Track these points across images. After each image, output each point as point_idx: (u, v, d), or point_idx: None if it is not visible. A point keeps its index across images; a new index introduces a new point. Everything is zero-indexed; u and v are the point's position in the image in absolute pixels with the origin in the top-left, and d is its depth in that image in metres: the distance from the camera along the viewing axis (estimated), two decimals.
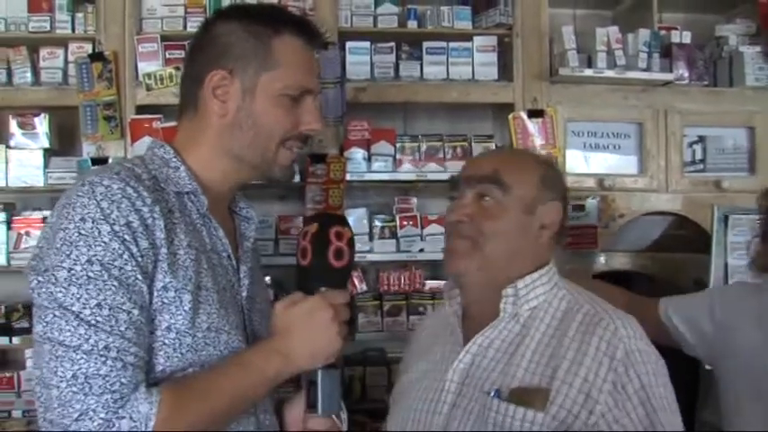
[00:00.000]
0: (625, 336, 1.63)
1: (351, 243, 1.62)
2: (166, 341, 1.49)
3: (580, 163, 3.75)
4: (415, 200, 3.75)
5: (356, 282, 3.66)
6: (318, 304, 1.57)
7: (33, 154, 3.43)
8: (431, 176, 3.56)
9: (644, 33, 3.63)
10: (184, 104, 1.71)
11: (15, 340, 3.39)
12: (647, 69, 3.63)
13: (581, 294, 1.79)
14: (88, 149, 3.43)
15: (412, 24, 3.65)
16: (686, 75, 3.73)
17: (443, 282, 3.59)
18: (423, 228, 3.59)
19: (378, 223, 3.58)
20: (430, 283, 3.74)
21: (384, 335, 3.57)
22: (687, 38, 3.75)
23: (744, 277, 3.27)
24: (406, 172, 3.56)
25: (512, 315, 1.75)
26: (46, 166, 3.44)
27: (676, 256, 3.80)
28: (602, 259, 3.62)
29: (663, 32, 3.73)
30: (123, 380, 1.39)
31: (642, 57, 3.61)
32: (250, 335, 1.68)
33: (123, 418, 1.37)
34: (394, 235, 3.58)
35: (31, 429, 3.36)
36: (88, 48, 3.49)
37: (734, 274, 3.43)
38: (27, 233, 3.39)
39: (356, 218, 3.55)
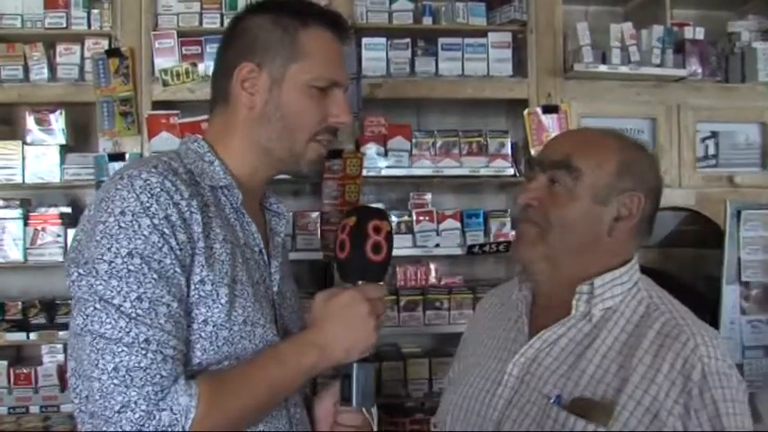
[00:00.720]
0: (705, 355, 1.49)
1: (389, 237, 1.62)
2: (203, 334, 1.50)
3: None
4: (430, 195, 3.78)
5: None
6: (355, 298, 1.58)
7: (50, 150, 3.46)
8: (446, 172, 3.60)
9: (657, 29, 3.67)
10: (215, 98, 1.73)
11: (32, 336, 3.42)
12: (661, 65, 3.67)
13: (661, 298, 1.65)
14: (104, 145, 3.46)
15: (427, 20, 3.70)
16: (699, 70, 3.77)
17: (458, 277, 3.75)
18: (438, 223, 3.61)
19: (394, 219, 3.59)
20: (446, 278, 3.78)
21: (400, 330, 3.59)
22: (700, 34, 3.80)
23: (756, 273, 3.39)
24: (422, 167, 3.59)
25: (583, 314, 1.64)
26: (62, 162, 3.46)
27: (689, 251, 3.83)
28: None
29: (676, 28, 3.78)
30: (164, 372, 1.40)
31: (656, 52, 3.65)
32: (281, 329, 1.68)
33: (164, 410, 1.38)
34: (410, 230, 3.60)
35: (47, 425, 3.39)
36: (104, 44, 3.53)
37: (746, 270, 3.44)
38: (43, 229, 3.42)
39: None
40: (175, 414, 1.39)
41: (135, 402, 1.37)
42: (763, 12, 3.92)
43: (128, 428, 1.37)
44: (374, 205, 3.39)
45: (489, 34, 3.69)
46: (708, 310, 3.43)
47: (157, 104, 3.48)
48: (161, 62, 3.49)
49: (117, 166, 3.26)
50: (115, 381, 1.38)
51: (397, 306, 3.59)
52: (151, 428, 1.37)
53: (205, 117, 3.07)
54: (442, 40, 3.67)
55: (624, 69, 3.64)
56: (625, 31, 3.66)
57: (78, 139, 3.64)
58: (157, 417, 1.38)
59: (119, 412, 1.37)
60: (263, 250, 1.69)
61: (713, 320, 3.41)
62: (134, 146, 3.46)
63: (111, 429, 1.38)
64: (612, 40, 3.64)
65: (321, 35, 1.68)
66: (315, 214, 3.53)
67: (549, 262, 1.68)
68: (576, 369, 1.58)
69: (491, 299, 2.02)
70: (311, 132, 1.67)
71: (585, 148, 1.68)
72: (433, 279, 3.77)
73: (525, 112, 3.61)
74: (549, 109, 3.62)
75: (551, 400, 1.56)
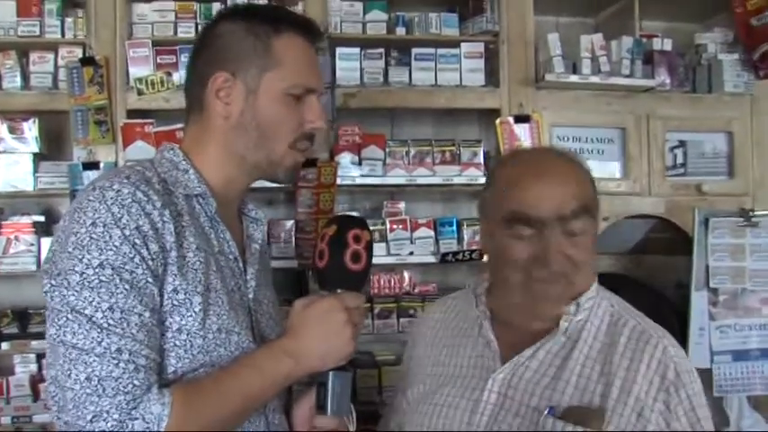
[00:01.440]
0: (674, 355, 1.62)
1: (369, 246, 1.64)
2: (177, 342, 1.52)
3: None
4: (404, 204, 3.80)
5: None
6: (333, 306, 1.59)
7: (22, 158, 3.46)
8: (420, 180, 3.62)
9: (627, 41, 3.72)
10: (190, 107, 1.74)
11: (4, 346, 3.41)
12: (630, 75, 3.71)
13: (619, 305, 1.76)
14: (79, 154, 3.46)
15: (400, 31, 3.73)
16: (668, 81, 3.83)
17: (432, 284, 3.75)
18: (412, 231, 3.64)
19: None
20: (419, 287, 3.80)
21: (373, 337, 3.61)
22: (668, 45, 3.85)
23: (724, 279, 3.49)
24: (396, 176, 3.61)
25: (562, 330, 1.70)
26: (35, 170, 3.46)
27: (659, 258, 3.92)
28: None
29: (644, 40, 3.83)
30: (136, 381, 1.41)
31: (625, 63, 3.70)
32: (258, 336, 1.68)
33: (136, 419, 1.39)
34: (384, 239, 3.62)
35: None
36: (78, 52, 3.54)
37: (714, 276, 3.56)
38: (16, 238, 3.41)
39: None
40: (148, 423, 1.40)
41: (107, 412, 1.39)
42: (728, 25, 3.98)
43: None
44: (350, 213, 3.48)
45: (462, 45, 3.72)
46: (677, 316, 3.59)
47: (132, 113, 3.50)
48: (136, 71, 3.50)
49: (91, 174, 3.28)
50: (87, 390, 1.39)
51: (372, 314, 3.60)
52: None
53: (180, 126, 3.12)
54: (415, 51, 3.70)
55: (594, 79, 3.68)
56: (595, 42, 3.71)
57: (52, 147, 3.64)
58: (130, 426, 1.39)
59: (91, 421, 1.39)
60: (239, 258, 1.70)
61: (683, 327, 3.51)
62: (109, 154, 3.47)
63: None
64: (583, 51, 3.69)
65: (294, 42, 1.70)
66: (289, 223, 3.53)
67: (567, 298, 1.71)
68: (559, 380, 1.64)
69: (434, 315, 2.03)
70: (288, 140, 1.69)
71: (587, 186, 1.72)
72: (406, 287, 3.79)
73: (497, 121, 3.65)
74: (521, 118, 3.66)
75: (546, 412, 1.60)
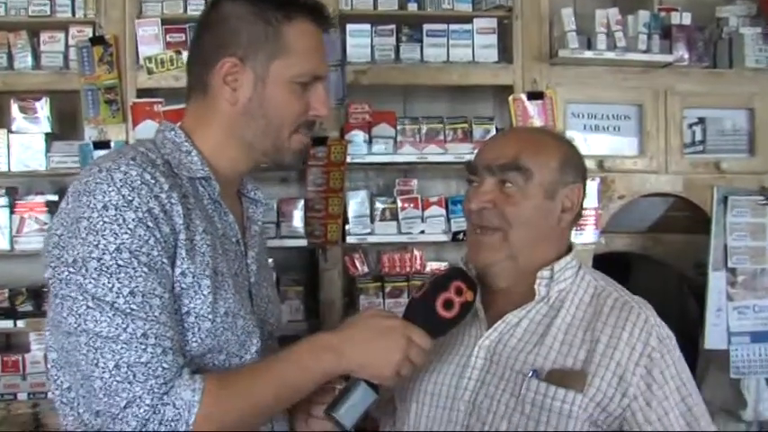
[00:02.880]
0: (656, 324, 1.73)
1: (465, 306, 1.68)
2: (185, 325, 1.53)
3: (580, 144, 3.42)
4: (415, 182, 3.83)
5: (358, 264, 3.76)
6: (399, 327, 1.61)
7: (35, 138, 3.54)
8: (431, 158, 3.66)
9: (644, 15, 3.71)
10: (193, 87, 1.73)
11: (20, 323, 3.49)
12: (647, 51, 3.71)
13: (603, 279, 1.87)
14: (90, 133, 3.53)
15: (412, 6, 3.74)
16: (686, 56, 3.81)
17: (444, 263, 3.78)
18: (423, 210, 3.67)
19: (379, 205, 3.66)
20: (431, 265, 3.83)
21: None
22: (687, 19, 3.83)
23: (743, 259, 3.51)
24: (407, 154, 3.65)
25: (543, 297, 1.80)
26: (48, 150, 3.54)
27: (677, 237, 3.91)
28: (602, 240, 3.68)
29: (663, 14, 3.82)
30: (165, 365, 1.43)
31: (642, 38, 3.69)
32: (258, 320, 1.70)
33: (168, 404, 1.41)
34: (395, 217, 3.66)
35: (36, 411, 3.48)
36: (88, 31, 3.60)
37: (733, 256, 3.57)
38: (30, 217, 3.50)
39: (357, 200, 3.65)
40: (178, 409, 1.42)
41: (140, 398, 1.41)
42: None
43: (133, 424, 1.41)
44: (360, 192, 3.61)
45: (474, 20, 3.73)
46: (695, 296, 3.70)
47: (142, 92, 3.56)
48: (145, 50, 3.55)
49: (102, 153, 3.33)
50: (117, 378, 1.41)
51: (382, 293, 3.65)
52: (155, 424, 1.41)
53: (182, 106, 3.19)
54: (427, 27, 3.72)
55: (610, 55, 3.68)
56: (611, 16, 3.71)
57: (64, 126, 3.71)
58: (162, 411, 1.41)
59: (124, 408, 1.41)
60: (241, 241, 1.72)
61: (702, 306, 3.55)
62: (119, 134, 3.54)
63: (118, 428, 1.42)
64: (598, 26, 3.69)
65: (305, 29, 1.69)
66: (300, 201, 3.60)
67: (511, 259, 1.81)
68: (542, 346, 1.75)
69: None
70: (293, 126, 1.70)
71: (531, 149, 1.81)
72: (417, 266, 3.82)
73: (510, 98, 3.67)
74: (535, 95, 3.68)
75: (530, 374, 1.71)
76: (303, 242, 3.58)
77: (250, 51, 1.65)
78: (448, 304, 1.65)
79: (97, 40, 3.54)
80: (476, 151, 3.21)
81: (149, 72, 3.54)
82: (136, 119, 3.47)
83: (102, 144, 3.46)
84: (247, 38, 1.65)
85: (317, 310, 3.61)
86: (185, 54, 3.39)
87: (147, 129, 3.34)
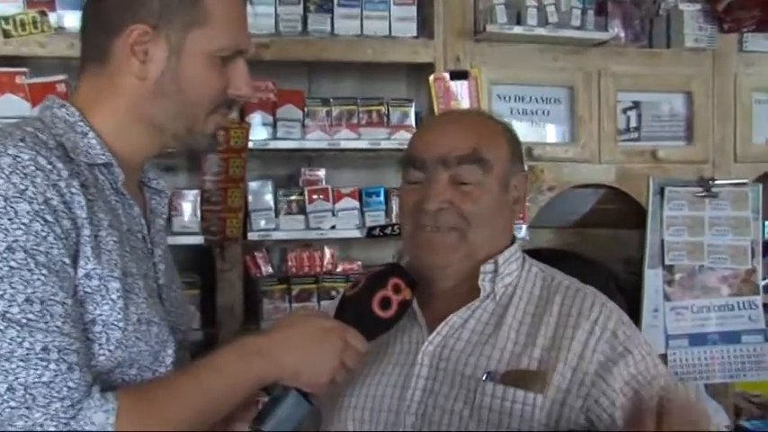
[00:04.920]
0: (614, 309, 1.73)
1: (403, 305, 1.64)
2: (91, 336, 1.43)
3: None
4: (325, 171, 3.73)
5: (260, 263, 3.65)
6: (336, 330, 1.57)
7: None
8: (343, 144, 3.55)
9: None
10: (89, 56, 1.61)
11: None
12: (581, 28, 3.66)
13: (549, 269, 1.86)
14: None
15: None
16: (622, 34, 3.82)
17: (357, 262, 3.74)
18: (334, 202, 3.56)
19: (284, 197, 3.53)
20: (342, 264, 3.75)
21: None
22: None
23: (681, 255, 3.46)
24: (316, 139, 3.53)
25: (488, 293, 1.77)
26: None
27: (607, 232, 3.88)
28: (526, 236, 3.62)
29: None
30: (71, 384, 1.32)
31: (576, 13, 3.63)
32: (169, 327, 1.62)
33: (74, 431, 1.31)
34: (302, 210, 3.54)
35: None
36: None
37: (670, 252, 3.51)
38: None
39: (259, 191, 3.50)
40: None
41: (41, 425, 1.30)
42: None
43: None
44: (263, 182, 3.48)
45: None
46: (624, 295, 3.51)
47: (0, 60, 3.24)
48: (1, 8, 3.20)
49: None
50: (12, 403, 1.30)
51: (289, 296, 3.54)
52: None
53: (62, 77, 2.99)
54: None
55: (541, 31, 3.60)
56: None
57: None
58: None
59: None
60: (147, 237, 1.64)
61: (632, 307, 3.40)
62: None
63: None
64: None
65: None
66: (194, 192, 3.43)
67: (467, 259, 1.78)
68: (494, 347, 1.71)
69: None
70: (210, 106, 1.62)
71: (489, 139, 1.79)
72: (328, 265, 3.74)
73: (431, 77, 3.55)
74: (458, 75, 3.57)
75: (485, 377, 1.67)
76: (198, 239, 3.42)
77: (164, 18, 1.54)
78: (385, 303, 1.61)
79: None
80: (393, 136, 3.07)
81: (6, 35, 3.17)
82: None
83: None
84: (161, 2, 1.54)
85: (214, 316, 3.45)
86: (52, 16, 3.18)
87: (7, 104, 3.06)
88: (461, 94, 3.53)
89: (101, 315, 1.44)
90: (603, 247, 3.82)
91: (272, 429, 1.53)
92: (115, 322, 1.45)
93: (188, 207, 3.41)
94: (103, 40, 1.56)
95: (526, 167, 3.35)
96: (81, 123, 1.54)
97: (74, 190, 1.42)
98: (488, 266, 1.78)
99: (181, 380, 1.49)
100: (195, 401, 1.46)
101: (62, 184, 1.40)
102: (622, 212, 3.83)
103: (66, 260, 1.39)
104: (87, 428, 1.31)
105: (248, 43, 1.67)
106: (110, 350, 1.45)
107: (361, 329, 1.60)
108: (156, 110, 1.59)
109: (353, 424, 1.78)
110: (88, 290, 1.42)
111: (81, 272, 1.42)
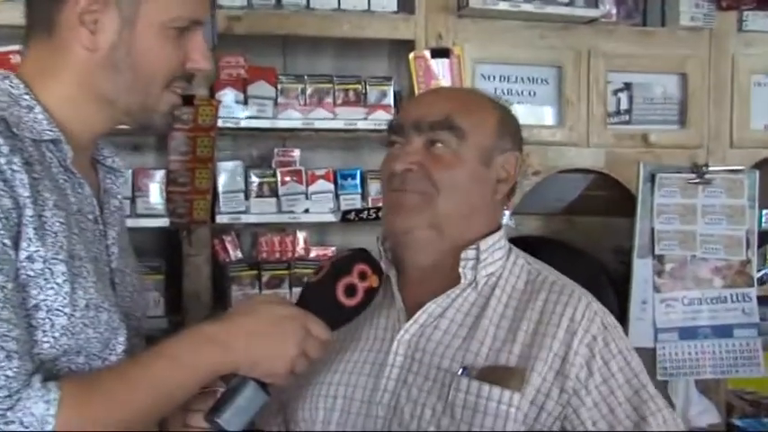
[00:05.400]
0: (599, 309, 1.67)
1: (369, 293, 1.60)
2: (34, 323, 1.39)
3: None
4: (298, 152, 3.68)
5: (229, 248, 3.60)
6: (296, 316, 1.53)
7: None
8: (318, 124, 3.49)
9: None
10: (34, 25, 1.57)
11: None
12: (570, 4, 3.61)
13: (537, 263, 1.82)
14: None
15: None
16: (613, 11, 3.76)
17: (331, 248, 3.70)
18: (308, 185, 3.53)
19: (255, 179, 3.49)
20: (316, 250, 3.70)
21: None
22: None
23: (672, 245, 3.44)
24: (289, 119, 3.47)
25: (469, 281, 1.73)
26: None
27: (595, 219, 3.83)
28: (511, 223, 3.54)
29: None
30: (9, 372, 1.29)
31: None
32: (121, 313, 1.58)
33: (13, 422, 1.28)
34: (274, 193, 3.49)
35: None
36: None
37: (660, 241, 3.45)
38: None
39: (229, 172, 3.46)
40: (28, 427, 1.29)
41: None
42: None
43: None
44: (233, 163, 3.43)
45: None
46: (613, 285, 3.59)
47: None
48: None
49: None
50: None
51: (259, 282, 3.49)
52: None
53: (14, 48, 2.91)
54: None
55: (528, 7, 3.54)
56: None
57: None
58: None
59: None
60: (99, 218, 1.60)
61: (621, 298, 3.47)
62: None
63: None
64: None
65: None
66: (160, 173, 3.38)
67: (434, 229, 1.73)
68: (473, 340, 1.67)
69: None
70: (166, 81, 1.58)
71: (465, 107, 1.77)
72: (300, 250, 3.68)
73: (411, 55, 3.49)
74: (440, 52, 3.51)
75: (460, 372, 1.63)
76: (163, 222, 3.37)
77: None
78: (350, 290, 1.57)
79: None
80: (370, 116, 3.09)
81: None
82: None
83: None
84: None
85: (180, 303, 3.40)
86: None
87: None
88: (443, 74, 3.48)
89: (45, 300, 1.40)
90: (592, 236, 3.79)
91: (227, 420, 1.50)
92: (60, 308, 1.41)
93: (154, 188, 3.35)
94: (49, 8, 1.52)
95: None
96: (26, 97, 1.50)
97: (15, 167, 1.38)
98: (470, 252, 1.73)
99: (131, 369, 1.44)
100: (145, 392, 1.43)
101: (2, 160, 1.36)
102: (612, 199, 3.78)
103: (7, 241, 1.35)
104: (26, 420, 1.28)
105: (204, 12, 1.62)
106: (54, 337, 1.41)
107: (324, 318, 1.56)
108: (107, 84, 1.54)
109: (324, 413, 1.76)
110: (31, 273, 1.38)
111: (23, 254, 1.37)
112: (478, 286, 1.73)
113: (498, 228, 1.80)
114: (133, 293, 1.68)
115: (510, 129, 1.82)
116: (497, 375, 1.62)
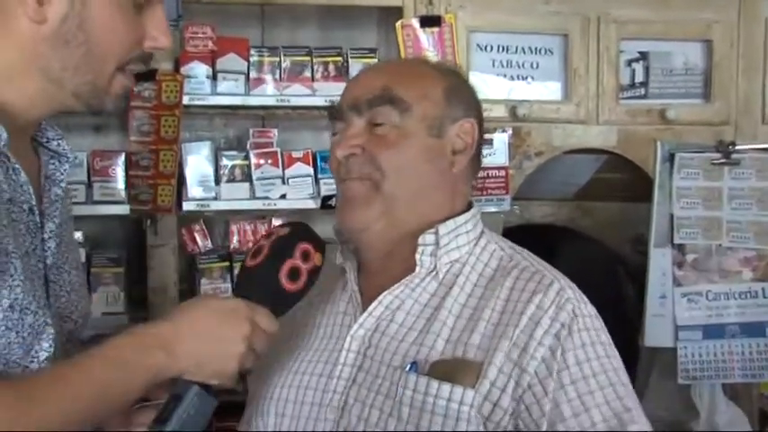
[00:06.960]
0: (573, 297, 1.59)
1: (314, 272, 1.56)
2: None
3: (487, 86, 3.57)
4: (275, 132, 3.62)
5: (198, 238, 3.58)
6: (240, 310, 1.48)
7: None
8: (295, 101, 3.46)
9: None
10: None
11: None
12: None
13: (514, 249, 1.75)
14: None
15: None
16: None
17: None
18: (285, 168, 3.49)
19: (226, 162, 3.44)
20: None
21: None
22: None
23: (694, 233, 3.30)
24: (264, 95, 3.45)
25: (428, 270, 1.67)
26: None
27: (611, 205, 3.76)
28: (515, 209, 3.50)
29: None
30: None
31: None
32: (55, 315, 1.54)
33: None
34: (248, 177, 3.46)
35: None
36: None
37: (680, 229, 3.32)
38: None
39: (197, 155, 3.42)
40: None
41: None
42: None
43: None
44: (202, 144, 3.35)
45: None
46: (632, 279, 3.57)
47: None
48: None
49: None
50: None
51: (231, 275, 3.47)
52: None
53: None
54: None
55: None
56: None
57: None
58: None
59: None
60: (35, 208, 1.53)
61: (642, 293, 3.36)
62: None
63: None
64: None
65: None
66: (120, 156, 3.35)
67: (387, 218, 1.68)
68: (429, 333, 1.63)
69: None
70: (120, 60, 1.53)
71: (405, 78, 1.73)
72: None
73: (398, 24, 3.42)
74: (429, 21, 3.43)
75: (408, 368, 1.59)
76: (125, 209, 3.33)
77: None
78: (293, 273, 1.51)
79: None
80: None
81: None
82: None
83: None
84: None
85: (144, 299, 3.38)
86: None
87: None
88: (433, 45, 3.42)
89: None
90: (607, 224, 3.74)
91: (175, 430, 1.45)
92: None
93: (113, 172, 3.32)
94: None
95: (506, 131, 3.40)
96: None
97: None
98: (428, 237, 1.67)
99: (68, 371, 1.39)
100: (86, 393, 1.38)
101: None
102: (628, 182, 3.69)
103: None
104: None
105: None
106: None
107: (267, 306, 1.51)
108: (53, 61, 1.49)
109: (275, 419, 1.71)
110: None
111: None
112: (440, 275, 1.67)
113: (467, 208, 1.75)
114: (71, 293, 1.63)
115: (461, 95, 1.76)
116: (450, 370, 1.56)
